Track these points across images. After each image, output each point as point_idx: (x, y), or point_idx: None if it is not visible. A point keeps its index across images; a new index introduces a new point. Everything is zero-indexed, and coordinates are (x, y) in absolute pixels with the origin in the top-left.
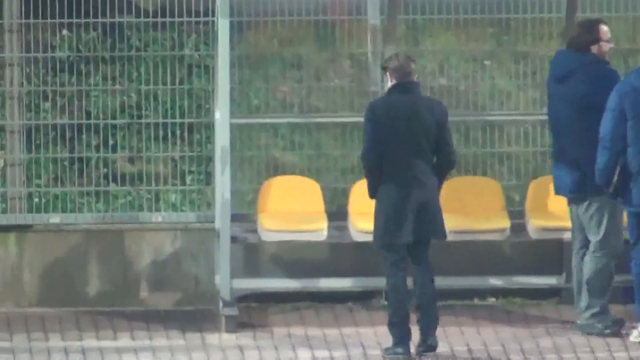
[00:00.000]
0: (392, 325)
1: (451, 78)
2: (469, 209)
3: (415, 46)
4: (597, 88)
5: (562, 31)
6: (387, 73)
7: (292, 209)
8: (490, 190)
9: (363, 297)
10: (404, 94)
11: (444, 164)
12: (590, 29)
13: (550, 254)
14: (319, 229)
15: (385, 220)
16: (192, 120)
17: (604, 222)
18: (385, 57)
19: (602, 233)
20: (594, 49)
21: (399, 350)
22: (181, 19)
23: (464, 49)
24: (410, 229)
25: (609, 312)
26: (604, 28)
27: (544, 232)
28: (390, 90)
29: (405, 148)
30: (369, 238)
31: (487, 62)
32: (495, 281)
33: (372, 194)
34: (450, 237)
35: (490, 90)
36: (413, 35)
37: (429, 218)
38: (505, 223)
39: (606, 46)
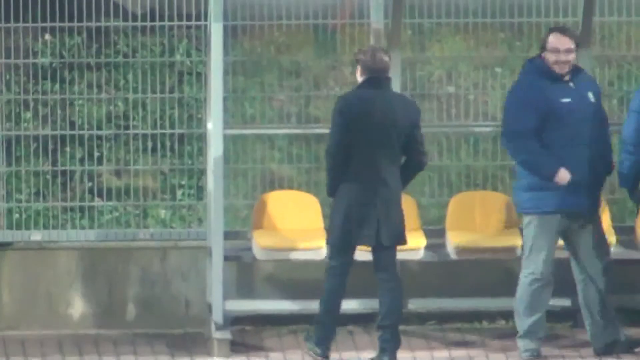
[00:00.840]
0: (318, 324)
1: (460, 86)
2: (478, 225)
3: (421, 52)
4: (507, 100)
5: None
6: (358, 66)
7: (289, 225)
8: (501, 206)
9: (364, 320)
10: (377, 89)
11: (414, 165)
12: (545, 35)
13: (565, 275)
14: (317, 247)
15: (344, 220)
16: (182, 131)
17: (532, 240)
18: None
19: (527, 251)
20: (544, 56)
21: (318, 351)
22: (171, 23)
23: (474, 55)
24: (374, 232)
25: (533, 335)
26: (555, 38)
27: (558, 251)
28: (362, 84)
29: (375, 146)
30: (370, 257)
31: (498, 69)
32: (505, 303)
33: (332, 191)
34: (457, 256)
35: (501, 99)
36: (419, 40)
37: (393, 222)
38: (517, 241)
39: (551, 57)
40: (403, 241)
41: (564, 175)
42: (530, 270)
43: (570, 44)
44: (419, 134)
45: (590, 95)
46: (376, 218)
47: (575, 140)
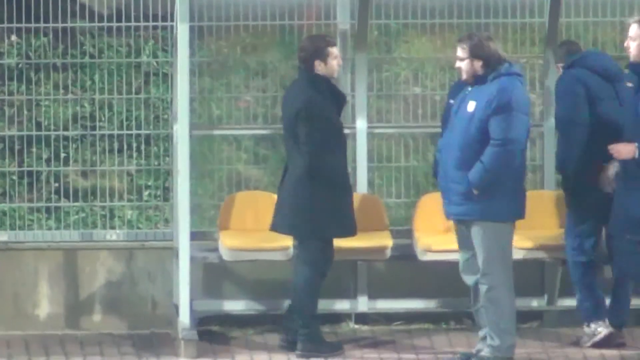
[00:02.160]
0: None
1: (426, 87)
2: (445, 226)
3: (388, 53)
4: None
5: (545, 37)
6: None
7: (256, 226)
8: None
9: (331, 321)
10: (297, 79)
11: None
12: None
13: (531, 275)
14: (284, 247)
15: None
16: (149, 131)
17: None
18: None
19: None
20: None
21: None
22: (138, 24)
23: (440, 56)
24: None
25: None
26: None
27: (524, 252)
28: None
29: (284, 135)
30: (337, 257)
31: None
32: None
33: None
34: (424, 257)
35: None
36: (386, 41)
37: (280, 211)
38: None
39: None
40: (296, 233)
41: None
42: None
43: (457, 52)
44: (301, 128)
45: (469, 105)
46: (280, 205)
47: (445, 146)
